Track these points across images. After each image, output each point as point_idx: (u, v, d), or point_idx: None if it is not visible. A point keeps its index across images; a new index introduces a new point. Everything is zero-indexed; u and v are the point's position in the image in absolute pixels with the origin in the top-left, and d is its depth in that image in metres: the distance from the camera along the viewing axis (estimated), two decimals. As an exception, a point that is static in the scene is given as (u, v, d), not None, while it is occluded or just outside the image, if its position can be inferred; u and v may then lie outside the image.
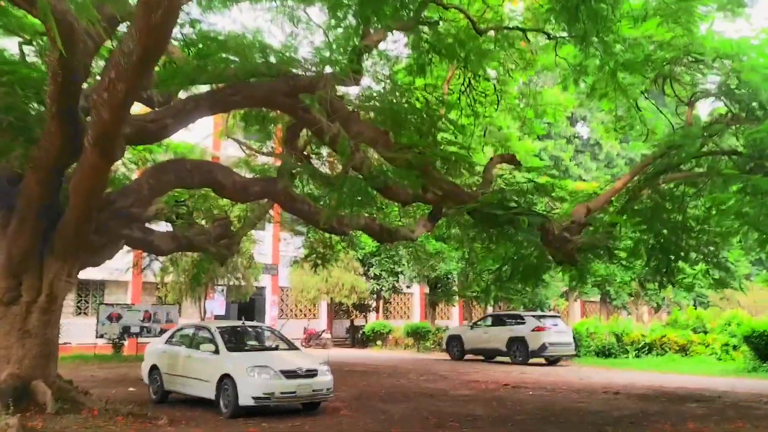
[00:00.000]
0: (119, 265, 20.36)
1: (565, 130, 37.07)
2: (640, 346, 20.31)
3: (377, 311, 31.29)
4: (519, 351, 18.91)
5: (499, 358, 20.45)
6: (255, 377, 9.15)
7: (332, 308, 30.95)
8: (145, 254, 19.11)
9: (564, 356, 19.42)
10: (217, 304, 27.67)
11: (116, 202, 9.99)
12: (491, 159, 13.68)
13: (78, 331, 24.52)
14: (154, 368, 11.07)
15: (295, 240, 24.95)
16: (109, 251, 10.69)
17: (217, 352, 9.84)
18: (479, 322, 20.97)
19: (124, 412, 9.09)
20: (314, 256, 19.71)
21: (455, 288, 23.35)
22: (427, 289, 31.65)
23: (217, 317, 28.01)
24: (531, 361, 19.00)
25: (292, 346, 10.75)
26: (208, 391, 9.69)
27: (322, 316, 31.43)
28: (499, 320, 20.17)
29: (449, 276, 25.74)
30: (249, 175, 13.68)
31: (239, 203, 14.42)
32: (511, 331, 19.25)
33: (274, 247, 29.69)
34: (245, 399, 9.06)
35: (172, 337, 11.26)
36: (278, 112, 11.94)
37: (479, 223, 9.93)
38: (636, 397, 12.01)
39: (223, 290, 25.89)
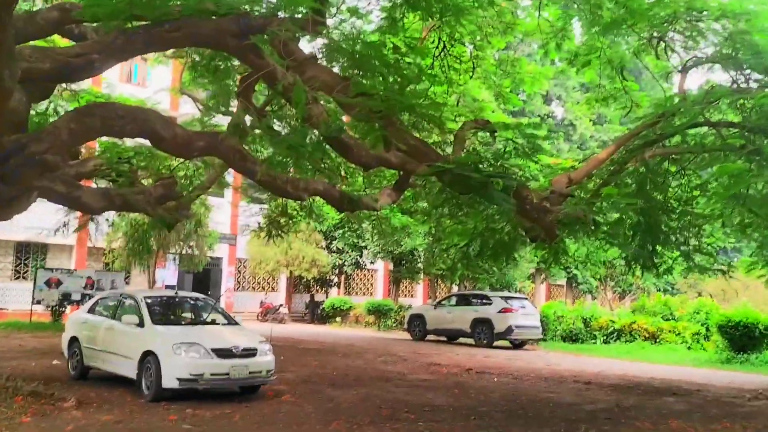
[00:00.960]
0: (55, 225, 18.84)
1: (539, 109, 36.14)
2: (608, 332, 19.59)
3: (339, 287, 30.15)
4: (484, 333, 17.97)
5: (462, 340, 19.52)
6: (182, 355, 7.87)
7: (292, 282, 29.69)
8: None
9: (530, 340, 18.56)
10: (169, 273, 26.17)
11: (28, 146, 8.52)
12: (464, 124, 12.56)
13: (15, 296, 22.86)
14: (73, 340, 9.71)
15: (253, 208, 23.55)
16: (19, 205, 9.19)
17: (141, 324, 8.52)
18: (443, 302, 19.96)
19: (26, 390, 7.77)
20: (271, 225, 18.42)
21: (420, 265, 22.26)
22: (391, 266, 30.60)
23: (167, 287, 26.50)
24: (496, 344, 18.09)
25: (231, 321, 9.47)
26: (129, 370, 8.40)
27: (281, 290, 30.15)
28: (464, 300, 19.17)
29: (414, 252, 24.65)
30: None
31: (183, 159, 12.96)
32: (476, 312, 18.28)
33: (232, 215, 28.19)
34: (169, 380, 7.80)
35: (95, 305, 9.88)
36: (232, 63, 10.64)
37: (449, 189, 8.75)
38: (609, 388, 11.10)
39: (174, 259, 24.38)
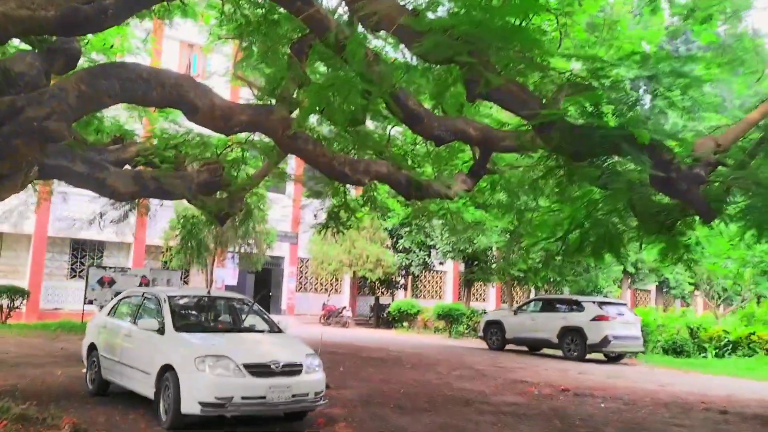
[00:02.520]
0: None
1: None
2: (721, 344, 16.72)
3: (405, 289, 28.17)
4: (574, 344, 15.52)
5: (546, 351, 17.14)
6: (206, 372, 6.07)
7: (356, 284, 27.95)
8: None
9: (629, 353, 15.97)
10: (228, 272, 24.92)
11: (25, 111, 6.95)
12: (559, 86, 10.37)
13: (70, 296, 22.12)
14: (92, 348, 8.14)
15: (315, 204, 21.96)
16: (12, 184, 7.64)
17: (162, 331, 6.79)
18: (525, 307, 17.59)
19: (14, 413, 6.17)
20: (331, 220, 16.69)
21: (495, 265, 19.89)
22: (462, 267, 28.37)
23: (227, 287, 25.29)
24: (588, 357, 15.60)
25: (274, 328, 7.62)
26: (147, 387, 6.69)
27: (344, 292, 28.49)
28: (549, 305, 16.74)
29: (488, 251, 22.35)
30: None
31: (222, 134, 11.30)
32: (564, 320, 15.85)
33: (293, 212, 26.73)
34: (190, 404, 6.01)
35: (117, 306, 8.27)
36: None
37: (555, 157, 6.63)
38: (753, 419, 8.61)
39: (233, 257, 23.08)
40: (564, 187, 7.52)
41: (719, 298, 35.55)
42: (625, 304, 16.62)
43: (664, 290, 33.92)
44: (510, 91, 5.88)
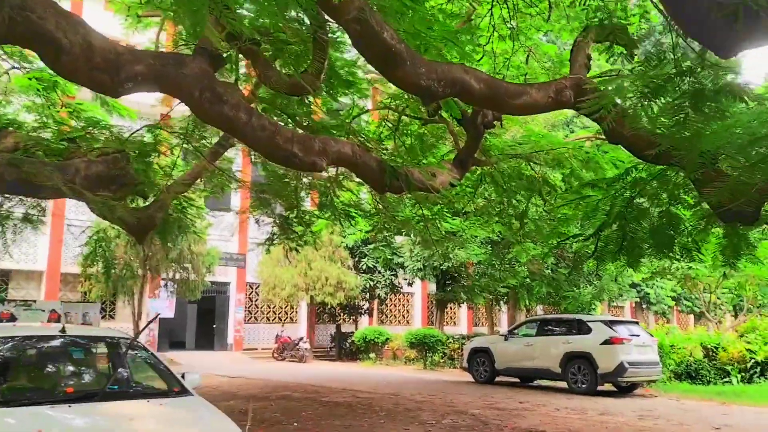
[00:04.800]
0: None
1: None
2: (748, 366, 14.23)
3: (370, 314, 25.08)
4: (582, 374, 12.74)
5: (543, 382, 14.36)
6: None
7: (314, 310, 24.72)
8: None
9: (645, 382, 13.27)
10: (163, 303, 21.36)
11: None
12: (586, 28, 7.81)
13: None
14: None
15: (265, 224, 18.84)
16: None
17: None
18: (517, 330, 14.76)
19: None
20: (283, 235, 13.68)
21: (480, 282, 16.99)
22: (432, 287, 25.49)
23: (162, 321, 21.74)
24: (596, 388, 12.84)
25: (172, 386, 4.47)
26: None
27: (301, 321, 25.20)
28: (548, 327, 13.92)
29: (463, 267, 19.50)
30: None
31: (108, 96, 8.28)
32: (568, 344, 13.07)
33: (241, 232, 23.45)
34: None
35: None
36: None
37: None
38: None
39: (167, 285, 19.63)
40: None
41: (699, 313, 33.70)
42: (637, 323, 13.97)
43: (644, 306, 31.75)
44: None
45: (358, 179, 12.93)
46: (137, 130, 9.62)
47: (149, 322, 4.61)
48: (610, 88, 6.09)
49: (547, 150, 10.16)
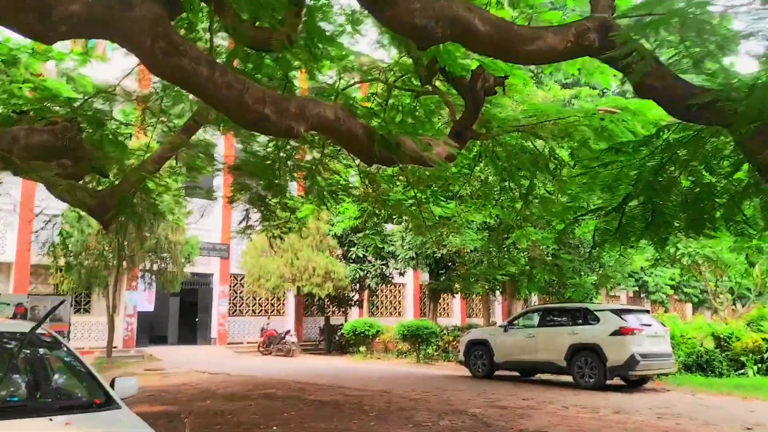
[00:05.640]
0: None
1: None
2: (765, 356, 13.33)
3: (360, 306, 24.04)
4: (589, 367, 11.76)
5: (544, 376, 13.40)
6: None
7: (301, 302, 23.65)
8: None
9: (657, 374, 12.32)
10: (141, 295, 20.24)
11: None
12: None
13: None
14: None
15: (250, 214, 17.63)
16: None
17: None
18: (517, 321, 13.77)
19: None
20: (264, 220, 12.59)
21: (476, 269, 15.84)
22: (424, 277, 24.48)
23: (141, 315, 20.63)
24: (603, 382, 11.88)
25: (95, 396, 3.40)
26: None
27: (288, 313, 24.13)
28: (551, 317, 12.92)
29: (458, 255, 18.45)
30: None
31: (40, 42, 7.21)
32: (574, 335, 12.09)
33: (224, 220, 22.28)
34: None
35: None
36: None
37: None
38: None
39: (144, 276, 18.47)
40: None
41: (697, 302, 32.94)
42: (648, 311, 13.01)
43: (642, 296, 30.91)
44: None
45: (345, 161, 11.88)
46: (90, 97, 8.51)
47: (52, 310, 3.52)
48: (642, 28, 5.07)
49: (555, 119, 9.11)
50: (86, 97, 8.27)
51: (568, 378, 12.47)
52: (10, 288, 17.94)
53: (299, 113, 6.23)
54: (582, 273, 14.62)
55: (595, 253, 12.69)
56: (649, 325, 11.86)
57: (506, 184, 11.18)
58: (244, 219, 10.68)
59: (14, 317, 14.97)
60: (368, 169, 11.65)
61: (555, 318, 12.79)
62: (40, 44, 9.16)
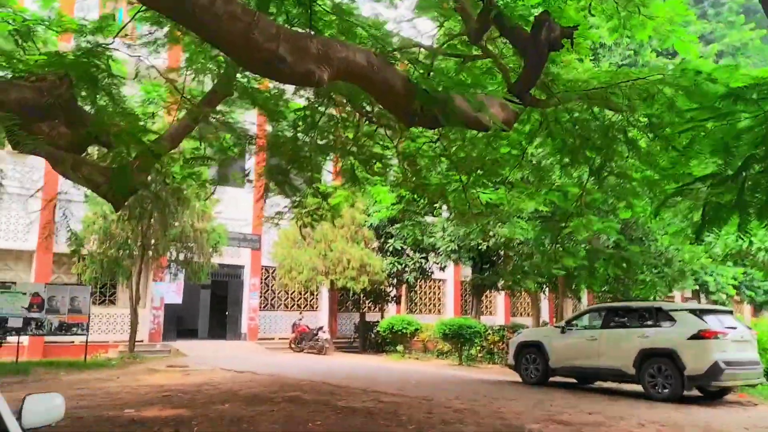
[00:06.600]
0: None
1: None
2: None
3: (398, 302, 22.67)
4: (663, 376, 10.14)
5: (602, 384, 11.80)
6: None
7: (335, 297, 22.43)
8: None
9: (740, 386, 10.62)
10: (170, 287, 19.27)
11: None
12: None
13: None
14: None
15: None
16: None
17: None
18: (576, 321, 12.19)
19: None
20: (295, 207, 11.44)
21: (525, 264, 14.22)
22: (466, 272, 22.97)
23: (169, 308, 19.69)
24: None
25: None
26: None
27: (322, 308, 22.93)
28: (617, 318, 11.30)
29: (503, 248, 16.87)
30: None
31: None
32: (644, 339, 10.47)
33: (255, 210, 21.15)
34: None
35: None
36: None
37: None
38: None
39: (171, 266, 17.47)
40: None
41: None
42: (731, 312, 11.29)
43: (702, 295, 28.70)
44: None
45: (382, 141, 10.50)
46: (94, 47, 7.23)
47: None
48: None
49: (634, 79, 7.53)
50: (84, 48, 7.05)
51: (635, 387, 10.87)
52: (32, 277, 17.18)
53: (322, 55, 4.93)
54: (657, 267, 12.91)
55: (667, 242, 11.01)
56: (733, 328, 10.17)
57: (567, 162, 9.60)
58: (263, 195, 9.41)
59: (30, 307, 14.14)
60: (407, 150, 10.33)
61: (621, 318, 11.17)
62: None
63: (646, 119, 8.09)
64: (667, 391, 10.04)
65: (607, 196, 8.63)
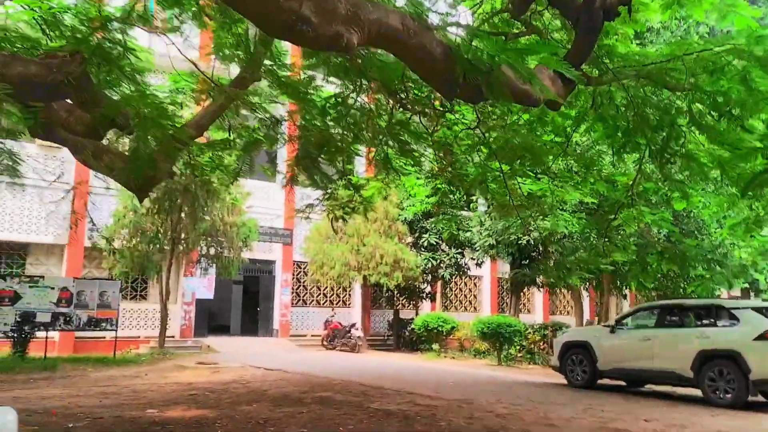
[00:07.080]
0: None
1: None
2: None
3: (433, 299, 22.00)
4: (725, 380, 9.28)
5: (653, 386, 10.95)
6: None
7: (368, 293, 21.87)
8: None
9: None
10: (200, 282, 18.97)
11: None
12: None
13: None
14: None
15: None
16: None
17: None
18: (627, 320, 11.36)
19: None
20: (327, 199, 10.86)
21: (569, 260, 13.33)
22: (503, 268, 22.17)
23: (201, 303, 19.40)
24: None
25: None
26: None
27: (354, 304, 22.41)
28: (672, 317, 10.46)
29: (544, 243, 16.06)
30: None
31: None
32: (704, 339, 9.62)
33: (287, 205, 20.74)
34: None
35: None
36: None
37: None
38: None
39: (201, 261, 17.13)
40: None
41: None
42: (800, 312, 10.35)
43: (752, 294, 27.31)
44: None
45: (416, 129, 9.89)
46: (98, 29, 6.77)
47: None
48: None
49: (699, 51, 6.71)
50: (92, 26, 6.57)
51: (692, 391, 10.03)
52: (63, 271, 17.04)
53: (352, 16, 4.31)
54: (713, 262, 11.97)
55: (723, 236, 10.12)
56: (804, 329, 9.25)
57: (620, 147, 8.79)
58: (289, 183, 8.85)
59: (59, 302, 13.92)
60: (443, 138, 9.67)
61: (677, 317, 10.31)
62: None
63: (708, 98, 7.27)
64: (729, 396, 9.18)
65: (670, 181, 7.81)
